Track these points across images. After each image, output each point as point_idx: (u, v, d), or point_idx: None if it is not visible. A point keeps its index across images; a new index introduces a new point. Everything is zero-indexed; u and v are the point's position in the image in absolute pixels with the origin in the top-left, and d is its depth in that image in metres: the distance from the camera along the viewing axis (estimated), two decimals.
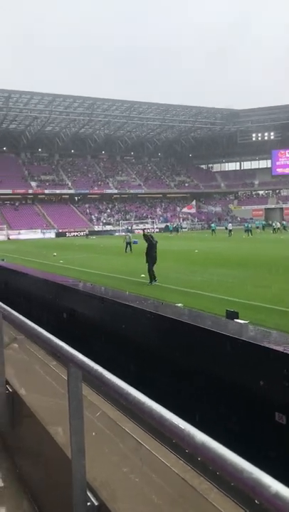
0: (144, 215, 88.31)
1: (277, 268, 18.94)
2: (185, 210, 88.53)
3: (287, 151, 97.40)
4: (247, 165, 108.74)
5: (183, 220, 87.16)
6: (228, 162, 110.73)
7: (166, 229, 74.32)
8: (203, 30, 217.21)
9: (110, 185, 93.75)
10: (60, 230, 75.33)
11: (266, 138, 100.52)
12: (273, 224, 63.27)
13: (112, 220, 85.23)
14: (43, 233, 74.21)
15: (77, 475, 1.90)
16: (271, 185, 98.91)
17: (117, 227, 78.98)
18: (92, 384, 2.84)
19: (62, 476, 2.11)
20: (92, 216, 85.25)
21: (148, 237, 16.99)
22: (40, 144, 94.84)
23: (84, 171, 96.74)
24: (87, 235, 66.83)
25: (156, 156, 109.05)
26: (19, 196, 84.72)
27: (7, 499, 2.79)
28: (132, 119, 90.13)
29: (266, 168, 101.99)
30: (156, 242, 16.88)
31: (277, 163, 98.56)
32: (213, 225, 65.69)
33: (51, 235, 73.57)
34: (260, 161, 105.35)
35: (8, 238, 69.71)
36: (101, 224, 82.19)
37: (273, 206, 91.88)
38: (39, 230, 74.97)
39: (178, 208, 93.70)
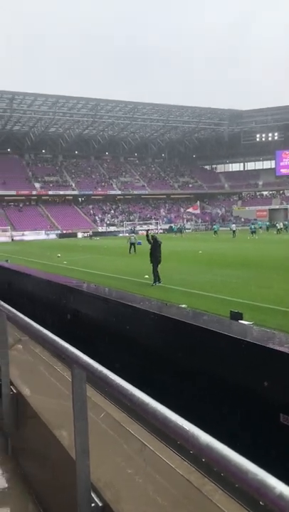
0: (148, 216, 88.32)
1: (280, 269, 18.90)
2: (190, 210, 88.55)
3: None
4: (251, 165, 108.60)
5: (186, 221, 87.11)
6: (231, 163, 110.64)
7: (170, 230, 74.32)
8: (204, 30, 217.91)
9: (114, 186, 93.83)
10: (65, 231, 75.44)
11: (270, 138, 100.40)
12: (277, 225, 63.14)
13: (115, 221, 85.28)
14: (47, 234, 74.36)
15: (82, 476, 1.90)
16: (275, 186, 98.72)
17: (120, 228, 79.03)
18: (97, 385, 2.85)
19: (67, 476, 2.11)
20: (96, 217, 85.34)
21: (153, 238, 17.00)
22: (44, 146, 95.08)
23: (88, 172, 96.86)
24: (90, 236, 66.86)
25: (160, 157, 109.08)
26: (23, 197, 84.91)
27: (12, 500, 2.79)
28: (136, 120, 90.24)
29: (270, 168, 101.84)
30: (161, 243, 16.89)
31: (281, 163, 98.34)
32: (215, 226, 65.69)
33: (53, 236, 73.69)
34: (264, 162, 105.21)
35: (12, 239, 69.86)
36: (105, 225, 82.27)
37: (277, 207, 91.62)
38: (43, 231, 75.11)
39: (182, 209, 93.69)
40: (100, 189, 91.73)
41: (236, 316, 8.10)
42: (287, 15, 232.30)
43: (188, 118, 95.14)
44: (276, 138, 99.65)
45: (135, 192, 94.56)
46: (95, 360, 1.84)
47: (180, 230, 67.24)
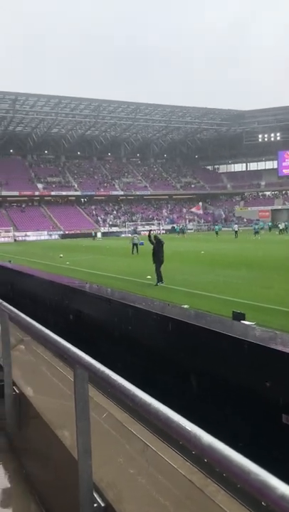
0: (150, 216, 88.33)
1: (283, 269, 18.88)
2: (194, 210, 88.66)
3: None
4: (253, 166, 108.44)
5: (189, 222, 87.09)
6: (234, 163, 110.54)
7: (173, 230, 74.30)
8: (204, 30, 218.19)
9: (116, 187, 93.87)
10: (67, 232, 75.49)
11: (272, 139, 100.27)
12: (279, 225, 63.05)
13: (118, 221, 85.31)
14: (50, 235, 74.44)
15: (84, 476, 1.90)
16: (277, 186, 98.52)
17: (123, 229, 79.04)
18: (99, 385, 2.84)
19: (69, 476, 2.12)
20: (99, 217, 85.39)
21: (156, 239, 17.00)
22: (47, 146, 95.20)
23: (90, 172, 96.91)
24: (93, 236, 66.89)
25: (162, 158, 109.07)
26: (26, 198, 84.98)
27: (14, 500, 2.80)
28: (138, 120, 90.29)
29: (272, 169, 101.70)
30: (163, 243, 16.89)
31: (284, 164, 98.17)
32: (216, 226, 65.74)
33: (55, 236, 73.69)
34: (267, 162, 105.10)
35: (15, 240, 69.97)
36: (107, 225, 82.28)
37: (280, 207, 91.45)
38: (45, 232, 75.19)
39: (184, 210, 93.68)
40: (102, 190, 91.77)
41: (239, 317, 8.09)
42: (287, 15, 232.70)
43: (190, 118, 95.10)
44: (278, 138, 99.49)
45: (137, 192, 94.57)
46: (97, 360, 1.84)
47: (182, 231, 67.28)
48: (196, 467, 2.10)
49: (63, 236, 73.40)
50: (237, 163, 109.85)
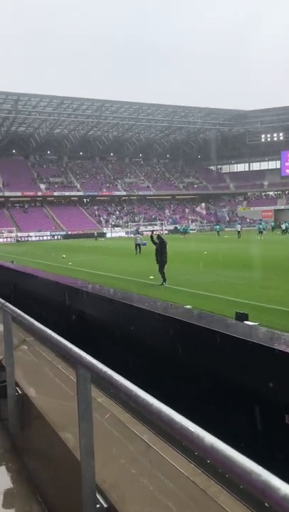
0: (153, 216, 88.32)
1: (285, 270, 18.85)
2: (199, 209, 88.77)
3: None
4: (256, 166, 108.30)
5: (192, 222, 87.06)
6: (237, 163, 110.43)
7: (176, 230, 74.29)
8: (204, 30, 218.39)
9: (119, 187, 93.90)
10: (70, 232, 75.55)
11: (275, 139, 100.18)
12: (282, 225, 62.94)
13: (120, 222, 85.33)
14: (52, 235, 74.52)
15: (87, 477, 1.90)
16: (281, 186, 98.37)
17: (126, 229, 79.03)
18: (101, 386, 2.84)
19: (72, 477, 2.12)
20: (101, 218, 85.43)
21: (159, 238, 16.98)
22: (49, 147, 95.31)
23: (92, 173, 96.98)
24: (96, 237, 66.92)
25: (165, 158, 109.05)
26: (28, 199, 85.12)
27: (17, 501, 2.80)
28: (140, 120, 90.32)
29: (275, 169, 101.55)
30: (166, 243, 16.88)
31: (287, 163, 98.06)
32: (217, 226, 65.66)
33: (58, 236, 73.74)
34: (270, 162, 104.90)
35: (18, 240, 70.07)
36: (110, 226, 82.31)
37: (283, 207, 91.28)
38: (48, 232, 75.27)
39: (186, 210, 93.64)
40: (104, 190, 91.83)
41: (241, 317, 8.07)
42: (288, 15, 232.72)
43: (192, 118, 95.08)
44: (281, 138, 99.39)
45: (140, 193, 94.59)
46: (99, 360, 1.84)
47: (185, 231, 67.31)
48: (199, 468, 2.10)
49: (66, 236, 73.45)
50: (240, 163, 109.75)
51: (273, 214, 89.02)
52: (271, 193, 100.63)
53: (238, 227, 56.12)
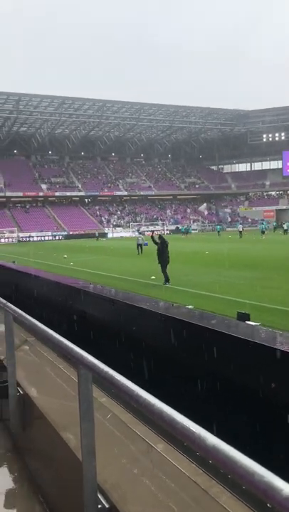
0: (155, 216, 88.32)
1: (287, 269, 18.83)
2: (201, 209, 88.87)
3: None
4: (258, 166, 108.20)
5: (193, 222, 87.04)
6: (238, 163, 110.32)
7: (177, 231, 74.30)
8: (205, 30, 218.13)
9: (120, 187, 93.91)
10: (71, 232, 75.58)
11: (277, 139, 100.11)
12: (284, 225, 62.89)
13: (122, 222, 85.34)
14: (54, 235, 74.56)
15: (88, 477, 1.89)
16: (282, 186, 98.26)
17: (127, 229, 79.02)
18: (103, 386, 2.84)
19: (73, 477, 2.11)
20: (103, 218, 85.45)
21: (161, 238, 16.98)
22: (51, 147, 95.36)
23: (94, 173, 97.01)
24: (97, 237, 66.94)
25: (166, 158, 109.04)
26: (30, 199, 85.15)
27: (18, 501, 2.80)
28: (142, 120, 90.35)
29: (277, 168, 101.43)
30: (168, 243, 16.88)
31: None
32: (218, 226, 65.66)
33: (60, 237, 73.77)
34: (271, 162, 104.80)
35: (19, 240, 70.13)
36: (111, 226, 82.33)
37: (285, 207, 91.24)
38: (49, 233, 75.30)
39: (188, 210, 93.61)
40: (106, 190, 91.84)
41: (243, 317, 8.07)
42: (288, 15, 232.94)
43: (194, 118, 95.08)
44: (283, 138, 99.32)
45: (141, 193, 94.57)
46: (100, 360, 1.84)
47: (187, 231, 67.30)
48: (201, 468, 2.10)
49: (67, 237, 73.47)
50: (241, 163, 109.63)
51: (275, 214, 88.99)
52: (273, 193, 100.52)
53: (240, 227, 56.13)
